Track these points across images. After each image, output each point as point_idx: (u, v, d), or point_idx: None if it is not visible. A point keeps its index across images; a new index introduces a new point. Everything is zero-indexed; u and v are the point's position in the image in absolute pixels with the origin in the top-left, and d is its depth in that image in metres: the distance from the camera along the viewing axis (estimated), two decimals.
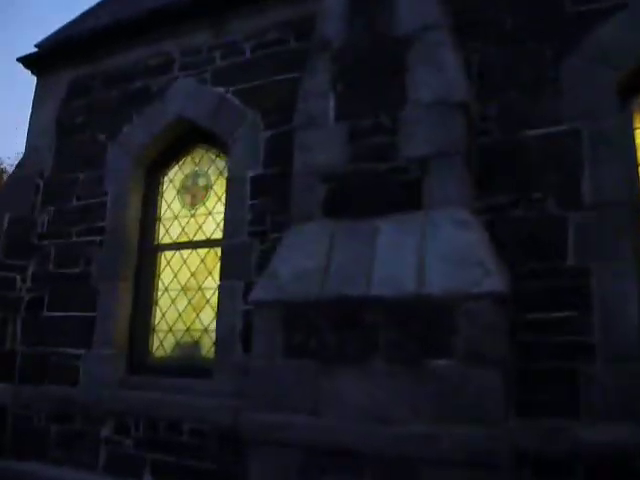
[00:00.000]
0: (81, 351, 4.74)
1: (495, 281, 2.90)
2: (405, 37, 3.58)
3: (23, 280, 5.20)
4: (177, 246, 4.82)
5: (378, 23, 3.70)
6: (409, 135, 3.43)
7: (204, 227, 4.75)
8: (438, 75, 3.44)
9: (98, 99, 5.32)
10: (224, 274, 4.26)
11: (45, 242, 5.23)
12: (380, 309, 3.09)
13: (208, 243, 4.66)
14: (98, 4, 6.07)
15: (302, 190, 3.66)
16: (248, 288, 4.05)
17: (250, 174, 4.32)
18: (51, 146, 5.45)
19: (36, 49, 5.71)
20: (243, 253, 4.19)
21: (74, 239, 5.06)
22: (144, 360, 4.67)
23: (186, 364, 4.50)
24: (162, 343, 4.70)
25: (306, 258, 3.43)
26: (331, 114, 3.69)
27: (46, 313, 5.04)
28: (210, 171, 4.86)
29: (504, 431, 2.77)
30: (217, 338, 4.21)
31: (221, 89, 4.63)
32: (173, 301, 4.74)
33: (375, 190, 3.44)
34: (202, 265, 4.68)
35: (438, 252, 3.11)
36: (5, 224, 5.24)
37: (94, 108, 5.32)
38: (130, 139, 4.98)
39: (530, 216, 3.38)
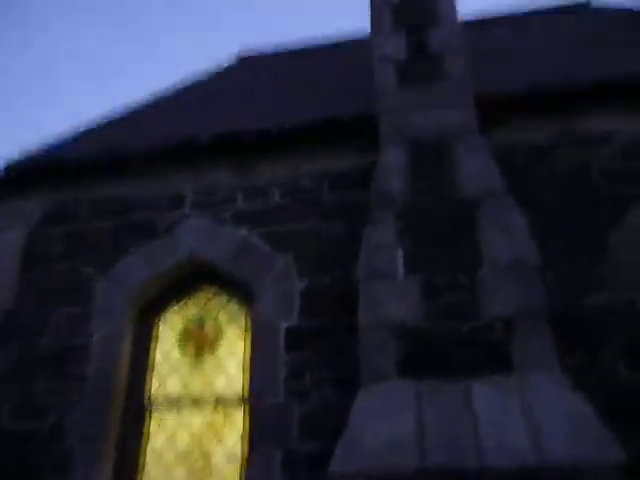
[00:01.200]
0: None
1: (618, 449, 2.75)
2: (472, 199, 3.69)
3: None
4: (175, 402, 4.11)
5: (442, 183, 3.80)
6: (489, 294, 3.38)
7: (214, 381, 4.14)
8: (511, 238, 3.52)
9: (84, 228, 4.73)
10: (255, 440, 3.65)
11: (4, 387, 4.22)
12: None
13: (220, 401, 4.04)
14: (81, 133, 5.65)
15: (372, 347, 3.37)
16: (287, 457, 3.51)
17: (284, 325, 3.94)
18: (12, 279, 4.63)
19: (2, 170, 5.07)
20: (278, 416, 3.66)
21: (40, 385, 4.13)
22: None
23: None
24: None
25: (392, 423, 3.06)
26: (400, 268, 3.56)
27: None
28: (219, 316, 4.37)
29: None
30: None
31: (244, 231, 4.35)
32: (167, 469, 3.92)
33: (460, 350, 3.26)
34: (208, 427, 4.00)
35: (546, 416, 2.93)
36: None
37: (78, 237, 4.70)
38: (126, 275, 4.40)
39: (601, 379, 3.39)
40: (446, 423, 3.01)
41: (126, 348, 4.21)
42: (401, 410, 3.11)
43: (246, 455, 3.80)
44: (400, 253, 3.61)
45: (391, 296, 3.48)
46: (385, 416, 3.10)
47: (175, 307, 4.48)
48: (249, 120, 4.89)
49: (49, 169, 4.93)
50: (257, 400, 3.76)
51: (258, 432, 3.67)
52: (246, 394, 4.00)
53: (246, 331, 4.23)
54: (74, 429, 3.92)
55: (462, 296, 3.41)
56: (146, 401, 4.14)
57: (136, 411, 4.09)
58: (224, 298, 4.41)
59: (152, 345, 4.35)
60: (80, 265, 4.55)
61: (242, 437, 3.89)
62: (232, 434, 3.95)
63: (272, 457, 3.56)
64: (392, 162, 3.97)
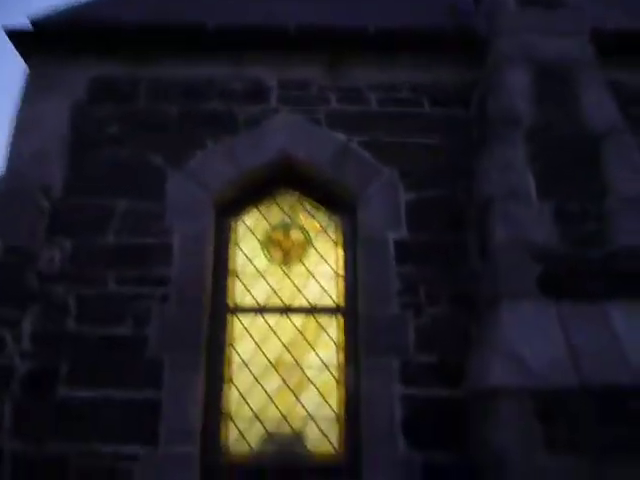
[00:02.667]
0: (136, 449, 3.36)
1: None
2: (597, 132, 3.76)
3: (16, 340, 3.52)
4: (263, 310, 3.90)
5: (568, 111, 3.82)
6: (617, 224, 3.54)
7: (304, 290, 3.96)
8: (634, 173, 3.68)
9: (143, 110, 4.14)
10: (368, 351, 3.59)
11: (56, 287, 3.68)
12: None
13: (313, 310, 3.90)
14: None
15: (512, 265, 3.42)
16: (406, 368, 3.52)
17: (392, 237, 3.83)
18: (62, 157, 3.97)
19: (31, 25, 4.21)
20: (393, 327, 3.63)
21: (112, 288, 3.68)
22: (217, 459, 3.53)
23: (293, 463, 3.57)
24: (243, 435, 3.64)
25: (545, 343, 3.17)
26: (533, 191, 3.59)
27: (63, 392, 3.47)
28: (306, 224, 4.13)
29: None
30: (361, 429, 3.48)
31: (342, 136, 4.08)
32: (257, 380, 3.76)
33: (592, 275, 3.42)
34: (299, 336, 3.87)
35: None
36: None
37: (136, 121, 4.10)
38: (207, 170, 3.96)
39: None
40: (593, 344, 3.18)
41: (210, 251, 3.85)
42: (550, 330, 3.22)
43: (343, 366, 3.75)
44: (530, 176, 3.63)
45: (528, 217, 3.52)
46: (537, 335, 3.20)
47: (255, 212, 4.15)
48: (342, 15, 4.47)
49: (96, 31, 4.18)
50: (369, 311, 3.68)
51: (370, 342, 3.61)
52: (342, 304, 3.88)
53: (337, 241, 4.06)
54: (158, 337, 3.57)
55: (591, 224, 3.53)
56: (233, 307, 3.87)
57: (223, 317, 3.81)
58: (308, 205, 4.16)
59: (234, 250, 4.02)
60: (144, 153, 4.00)
61: (338, 347, 3.81)
62: (326, 344, 3.85)
63: (388, 366, 3.55)
64: (515, 82, 3.90)
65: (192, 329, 3.61)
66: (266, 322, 3.88)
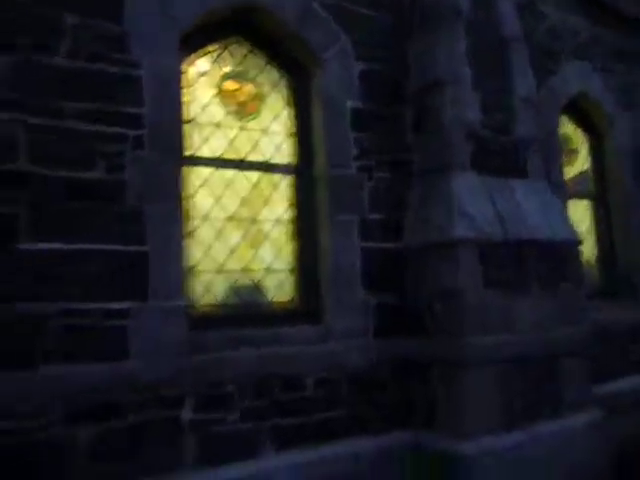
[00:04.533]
0: (127, 304, 3.09)
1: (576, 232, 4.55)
2: (507, 38, 4.54)
3: None
4: (222, 164, 3.77)
5: (489, 16, 4.48)
6: (517, 117, 4.48)
7: (259, 146, 3.94)
8: (524, 77, 4.62)
9: None
10: (333, 208, 3.89)
11: (2, 116, 2.88)
12: (535, 249, 4.15)
13: (274, 167, 3.95)
14: None
15: (457, 141, 4.07)
16: (363, 224, 4.01)
17: (349, 104, 4.07)
18: None
19: None
20: (353, 188, 3.99)
21: (72, 124, 3.06)
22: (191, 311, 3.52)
23: (257, 311, 3.78)
24: (208, 288, 3.66)
25: (482, 204, 4.00)
26: (469, 81, 4.23)
27: (26, 245, 2.88)
28: (259, 79, 4.00)
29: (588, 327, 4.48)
30: (322, 277, 3.86)
31: None
32: (219, 234, 3.74)
33: (502, 156, 4.33)
34: (254, 192, 3.92)
35: (551, 210, 4.42)
36: None
37: None
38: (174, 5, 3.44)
39: None
40: (507, 208, 4.13)
41: (179, 94, 3.46)
42: (482, 197, 4.04)
43: (295, 222, 3.98)
44: (468, 67, 4.24)
45: (467, 103, 4.17)
46: (477, 200, 3.99)
47: (209, 57, 3.80)
48: None
49: None
50: (331, 171, 3.92)
51: (334, 201, 3.90)
52: (294, 163, 4.01)
53: (290, 101, 4.07)
54: (136, 185, 3.19)
55: (503, 115, 4.39)
56: (192, 158, 3.62)
57: (182, 169, 3.56)
58: (261, 59, 4.01)
59: (191, 95, 3.67)
60: None
61: (293, 204, 3.99)
62: (280, 201, 3.98)
63: (351, 223, 3.93)
64: None
65: (170, 179, 3.31)
66: (222, 176, 3.77)
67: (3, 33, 2.93)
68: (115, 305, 3.05)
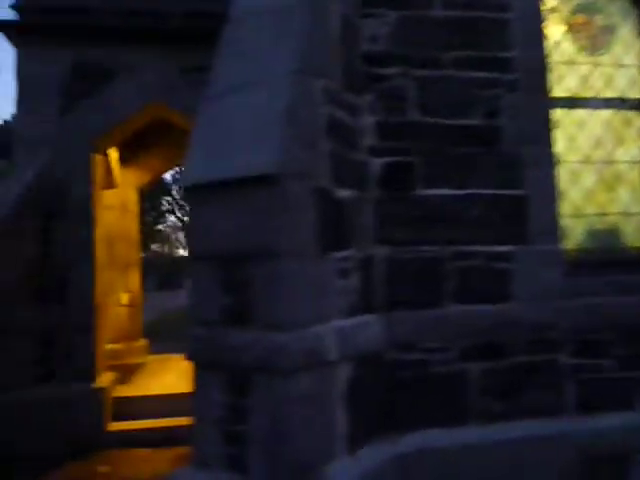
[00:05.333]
0: (507, 248, 3.13)
1: None
2: None
3: (362, 133, 2.97)
4: (574, 102, 3.56)
5: None
6: None
7: (612, 80, 3.64)
8: None
9: None
10: None
11: (390, 71, 3.07)
12: None
13: (628, 103, 3.63)
14: None
15: None
16: None
17: None
18: None
19: None
20: None
21: (450, 72, 3.14)
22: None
23: (618, 256, 3.54)
24: (568, 233, 3.50)
25: None
26: None
27: (421, 191, 3.06)
28: (608, 10, 3.68)
29: None
30: None
31: None
32: (574, 177, 3.55)
33: None
34: (607, 131, 3.63)
35: None
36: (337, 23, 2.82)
37: None
38: None
39: None
40: None
41: (544, 34, 3.33)
42: None
43: None
44: None
45: None
46: None
47: None
48: None
49: None
50: None
51: None
52: None
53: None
54: (513, 129, 3.16)
55: None
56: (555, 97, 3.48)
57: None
58: None
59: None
60: None
61: None
62: (635, 140, 3.65)
63: None
64: None
65: (542, 121, 3.24)
66: (575, 116, 3.57)
67: None
68: (498, 248, 3.11)
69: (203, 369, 2.64)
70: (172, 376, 6.58)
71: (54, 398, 4.68)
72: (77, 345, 4.91)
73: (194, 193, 2.71)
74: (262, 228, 2.44)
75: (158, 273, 32.08)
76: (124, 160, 6.97)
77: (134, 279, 7.74)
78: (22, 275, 4.63)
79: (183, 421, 5.27)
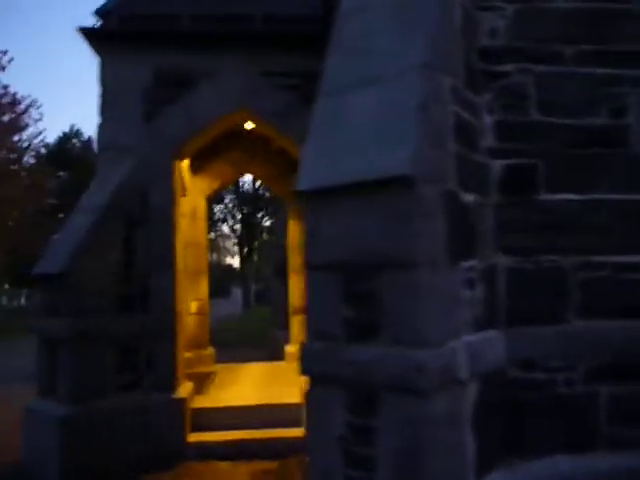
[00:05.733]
0: (637, 258, 2.86)
1: None
2: None
3: (481, 133, 2.78)
4: None
5: None
6: None
7: None
8: None
9: None
10: None
11: (508, 67, 2.87)
12: None
13: None
14: None
15: None
16: None
17: None
18: None
19: None
20: None
21: (570, 67, 2.90)
22: None
23: None
24: None
25: None
26: None
27: (544, 196, 2.83)
28: None
29: None
30: None
31: None
32: None
33: None
34: None
35: None
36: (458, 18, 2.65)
37: None
38: None
39: None
40: None
41: None
42: None
43: None
44: None
45: None
46: None
47: None
48: None
49: None
50: None
51: None
52: None
53: None
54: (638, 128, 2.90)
55: None
56: None
57: None
58: None
59: None
60: None
61: None
62: None
63: None
64: None
65: None
66: None
67: None
68: (626, 258, 2.84)
69: (321, 384, 2.50)
70: (244, 387, 6.50)
71: (137, 407, 4.63)
72: (159, 354, 4.86)
73: (312, 198, 2.57)
74: (393, 235, 2.28)
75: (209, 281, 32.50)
76: (194, 167, 6.97)
77: (203, 287, 7.73)
78: (107, 283, 4.62)
79: (258, 434, 5.18)
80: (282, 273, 9.93)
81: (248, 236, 31.46)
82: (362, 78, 2.64)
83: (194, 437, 4.99)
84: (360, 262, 2.34)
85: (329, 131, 2.66)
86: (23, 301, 40.39)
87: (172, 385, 4.91)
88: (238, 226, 32.10)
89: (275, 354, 9.17)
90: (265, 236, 36.67)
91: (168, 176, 5.08)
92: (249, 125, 6.17)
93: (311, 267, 2.59)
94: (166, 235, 5.04)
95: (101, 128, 5.11)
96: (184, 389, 5.13)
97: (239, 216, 31.19)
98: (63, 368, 4.41)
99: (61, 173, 31.39)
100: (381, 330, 2.30)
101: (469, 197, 2.64)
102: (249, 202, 31.28)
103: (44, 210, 25.47)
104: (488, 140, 2.85)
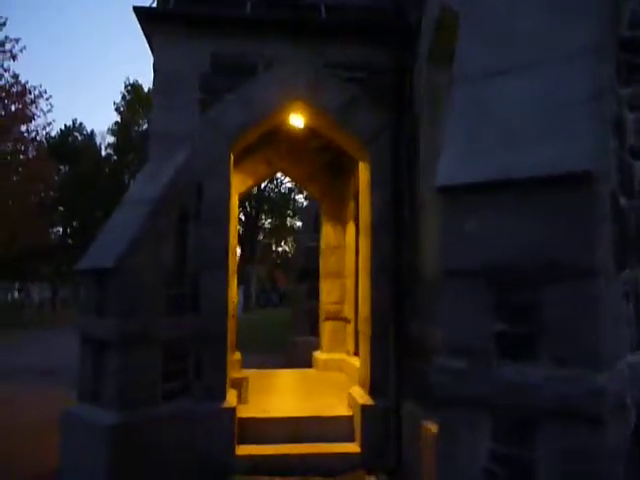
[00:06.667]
0: None
1: None
2: None
3: (624, 131, 2.50)
4: None
5: None
6: None
7: None
8: None
9: None
10: None
11: None
12: None
13: None
14: None
15: None
16: None
17: None
18: None
19: None
20: None
21: None
22: None
23: None
24: None
25: None
26: None
27: None
28: None
29: None
30: None
31: None
32: None
33: None
34: None
35: None
36: None
37: None
38: None
39: None
40: None
41: None
42: None
43: None
44: None
45: None
46: None
47: None
48: None
49: None
50: None
51: None
52: None
53: None
54: None
55: None
56: None
57: None
58: None
59: None
60: None
61: None
62: None
63: None
64: None
65: None
66: None
67: None
68: None
69: (458, 407, 2.19)
70: (283, 396, 6.17)
71: (185, 417, 4.27)
72: (208, 359, 4.51)
73: (453, 195, 2.27)
74: (563, 238, 1.99)
75: None
76: None
77: (233, 288, 7.38)
78: (159, 281, 4.26)
79: (310, 448, 4.84)
80: (306, 277, 9.60)
81: (248, 236, 31.10)
82: (510, 63, 2.35)
83: (243, 450, 4.63)
84: (517, 267, 2.05)
85: (473, 123, 2.36)
86: (16, 295, 39.66)
87: (222, 393, 4.55)
88: (239, 227, 31.83)
89: (296, 361, 8.82)
90: (263, 238, 36.32)
91: (224, 168, 4.74)
92: (296, 120, 5.83)
93: (448, 273, 2.29)
94: (220, 232, 4.70)
95: (154, 115, 4.77)
96: (231, 397, 4.78)
97: (242, 217, 30.88)
98: (110, 372, 4.05)
99: (61, 167, 30.86)
100: (540, 347, 2.02)
101: (623, 199, 2.37)
102: (253, 202, 31.06)
103: (44, 203, 24.97)
104: (630, 138, 2.58)
